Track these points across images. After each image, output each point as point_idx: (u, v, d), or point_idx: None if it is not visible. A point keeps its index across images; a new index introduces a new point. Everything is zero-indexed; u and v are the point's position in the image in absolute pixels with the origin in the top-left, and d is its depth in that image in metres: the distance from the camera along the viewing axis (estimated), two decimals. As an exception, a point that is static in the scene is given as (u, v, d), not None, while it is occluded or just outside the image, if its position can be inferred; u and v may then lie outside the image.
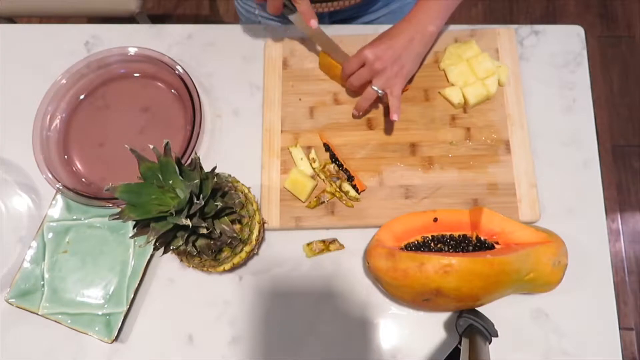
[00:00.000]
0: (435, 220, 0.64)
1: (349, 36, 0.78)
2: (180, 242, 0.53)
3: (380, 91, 0.67)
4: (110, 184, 0.49)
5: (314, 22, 0.67)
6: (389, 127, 0.72)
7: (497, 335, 0.59)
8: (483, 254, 0.58)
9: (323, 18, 0.88)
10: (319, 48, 0.75)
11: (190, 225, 0.49)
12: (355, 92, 0.72)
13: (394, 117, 0.66)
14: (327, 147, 0.71)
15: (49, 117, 0.73)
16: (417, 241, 0.63)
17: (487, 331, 0.58)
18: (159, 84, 0.77)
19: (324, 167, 0.70)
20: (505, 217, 0.62)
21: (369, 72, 0.67)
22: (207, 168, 0.55)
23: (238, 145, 0.74)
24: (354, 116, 0.73)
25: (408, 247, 0.63)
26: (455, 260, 0.56)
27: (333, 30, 0.80)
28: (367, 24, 0.89)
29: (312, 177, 0.70)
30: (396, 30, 0.68)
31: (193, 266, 0.62)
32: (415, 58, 0.68)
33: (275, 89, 0.75)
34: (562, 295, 0.64)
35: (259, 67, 0.78)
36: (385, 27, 0.78)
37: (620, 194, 1.57)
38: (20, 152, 0.74)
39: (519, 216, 0.67)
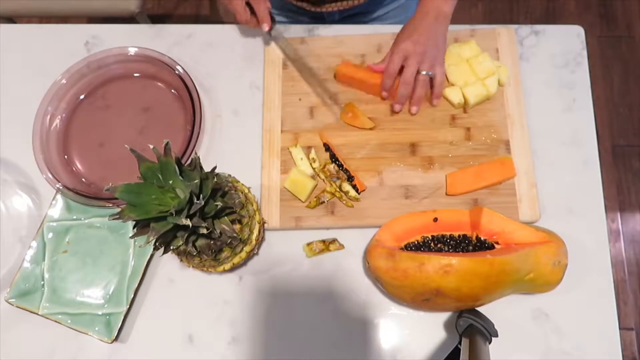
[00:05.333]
0: (435, 220, 0.64)
1: (350, 36, 0.78)
2: (180, 242, 0.53)
3: (430, 73, 0.68)
4: (110, 184, 0.49)
5: (264, 26, 0.70)
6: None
7: (497, 335, 0.59)
8: (483, 254, 0.58)
9: (333, 15, 0.88)
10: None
11: (190, 225, 0.49)
12: (389, 95, 0.72)
13: (435, 102, 0.71)
14: (327, 147, 0.71)
15: (49, 117, 0.73)
16: (417, 241, 0.63)
17: (487, 331, 0.58)
18: (159, 84, 0.77)
19: (324, 167, 0.70)
20: (505, 217, 0.62)
21: (416, 58, 0.67)
22: (207, 168, 0.55)
23: (238, 145, 0.74)
24: (397, 110, 0.72)
25: (408, 247, 0.63)
26: (455, 260, 0.56)
27: (334, 31, 0.80)
28: (376, 19, 0.90)
29: (312, 177, 0.70)
30: (417, 19, 0.70)
31: (193, 266, 0.62)
32: (442, 37, 0.70)
33: (275, 89, 0.75)
34: (562, 295, 0.64)
35: (259, 67, 0.78)
36: (387, 27, 0.79)
37: (620, 194, 1.57)
38: (20, 152, 0.74)
39: (519, 216, 0.67)
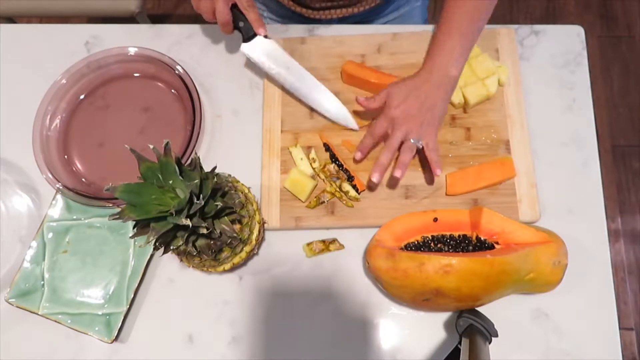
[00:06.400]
0: (435, 220, 0.64)
1: (350, 36, 0.78)
2: (180, 242, 0.53)
3: (419, 143, 0.64)
4: (110, 184, 0.49)
5: (262, 31, 0.68)
6: (393, 183, 0.69)
7: (497, 335, 0.59)
8: (483, 254, 0.58)
9: (332, 23, 0.88)
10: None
11: (190, 225, 0.49)
12: (364, 156, 0.69)
13: (437, 172, 0.64)
14: (327, 147, 0.71)
15: (49, 117, 0.73)
16: (417, 241, 0.63)
17: (487, 331, 0.58)
18: (159, 84, 0.77)
19: (324, 167, 0.70)
20: (505, 217, 0.62)
21: (405, 127, 0.64)
22: (207, 168, 0.55)
23: (238, 145, 0.74)
24: (375, 180, 0.65)
25: (408, 247, 0.63)
26: (455, 260, 0.56)
27: (334, 31, 0.80)
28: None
29: (312, 177, 0.70)
30: (419, 78, 0.65)
31: (193, 266, 0.62)
32: (443, 102, 0.65)
33: (275, 89, 0.75)
34: (562, 295, 0.64)
35: (259, 67, 0.78)
36: (387, 27, 0.79)
37: (620, 194, 1.57)
38: (20, 152, 0.74)
39: (519, 216, 0.67)
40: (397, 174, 0.64)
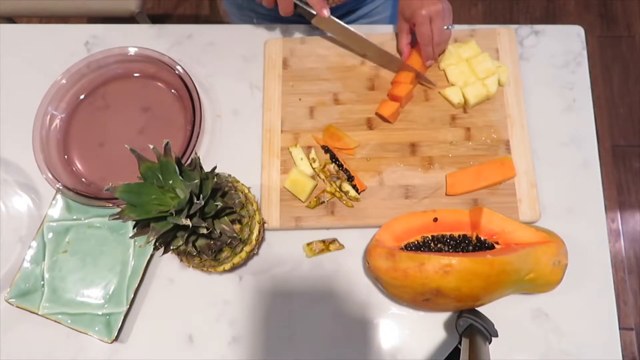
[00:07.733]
0: (435, 220, 0.64)
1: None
2: (180, 242, 0.53)
3: (451, 27, 0.71)
4: (110, 184, 0.49)
5: (325, 12, 0.69)
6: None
7: (497, 335, 0.59)
8: (483, 254, 0.58)
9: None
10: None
11: (190, 225, 0.49)
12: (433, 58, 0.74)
13: (429, 62, 0.73)
14: (327, 149, 0.71)
15: (49, 117, 0.73)
16: (417, 241, 0.63)
17: (487, 331, 0.58)
18: (159, 84, 0.77)
19: (324, 167, 0.70)
20: (505, 217, 0.62)
21: (440, 18, 0.69)
22: (207, 168, 0.55)
23: (238, 145, 0.74)
24: (428, 66, 0.74)
25: (408, 247, 0.63)
26: (455, 260, 0.56)
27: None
28: (366, 16, 0.91)
29: (312, 177, 0.70)
30: None
31: (193, 266, 0.62)
32: None
33: (275, 89, 0.75)
34: (562, 295, 0.64)
35: (259, 67, 0.78)
36: (387, 27, 0.79)
37: (620, 194, 1.57)
38: (20, 152, 0.74)
39: (519, 216, 0.67)
40: (431, 63, 0.73)
